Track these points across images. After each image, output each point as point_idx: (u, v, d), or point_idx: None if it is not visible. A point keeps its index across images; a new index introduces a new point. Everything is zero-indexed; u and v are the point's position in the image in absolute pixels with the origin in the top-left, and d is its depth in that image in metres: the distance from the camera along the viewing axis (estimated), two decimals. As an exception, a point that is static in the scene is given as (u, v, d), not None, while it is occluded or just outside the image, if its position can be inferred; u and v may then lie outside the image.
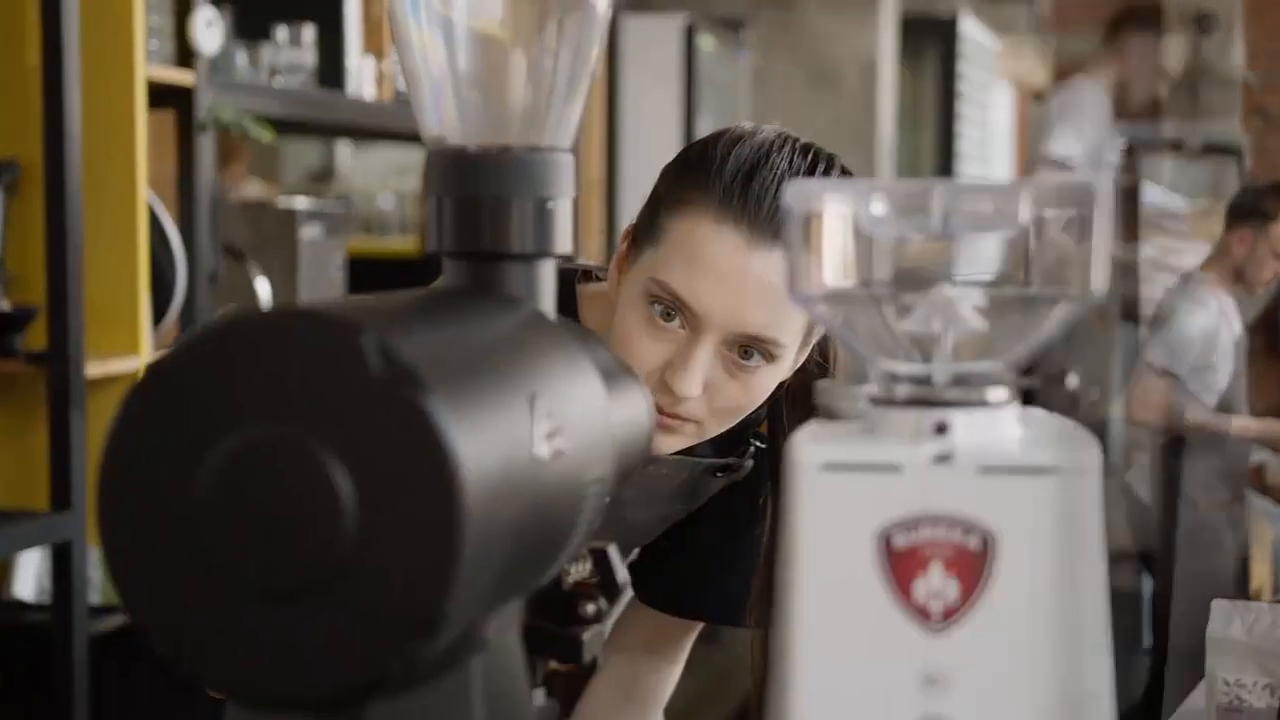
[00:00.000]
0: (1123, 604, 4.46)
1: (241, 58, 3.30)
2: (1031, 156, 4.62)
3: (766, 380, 1.33)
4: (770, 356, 1.30)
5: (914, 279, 0.71)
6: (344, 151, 6.02)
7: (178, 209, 3.03)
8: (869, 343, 0.71)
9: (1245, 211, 4.52)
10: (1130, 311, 4.98)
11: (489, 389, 0.65)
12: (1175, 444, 4.45)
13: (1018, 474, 0.66)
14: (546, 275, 0.79)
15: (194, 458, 0.61)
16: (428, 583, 0.59)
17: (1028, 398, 0.72)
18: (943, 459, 0.66)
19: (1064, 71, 9.21)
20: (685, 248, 1.29)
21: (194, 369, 0.61)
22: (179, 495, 0.61)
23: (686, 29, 5.41)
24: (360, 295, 0.71)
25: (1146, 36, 4.55)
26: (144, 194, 2.79)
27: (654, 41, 5.38)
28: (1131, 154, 4.86)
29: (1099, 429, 4.62)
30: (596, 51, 0.81)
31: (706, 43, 5.54)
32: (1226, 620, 1.82)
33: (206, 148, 3.06)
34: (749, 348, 1.30)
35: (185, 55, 2.99)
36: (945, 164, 7.63)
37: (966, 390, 0.68)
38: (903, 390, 0.69)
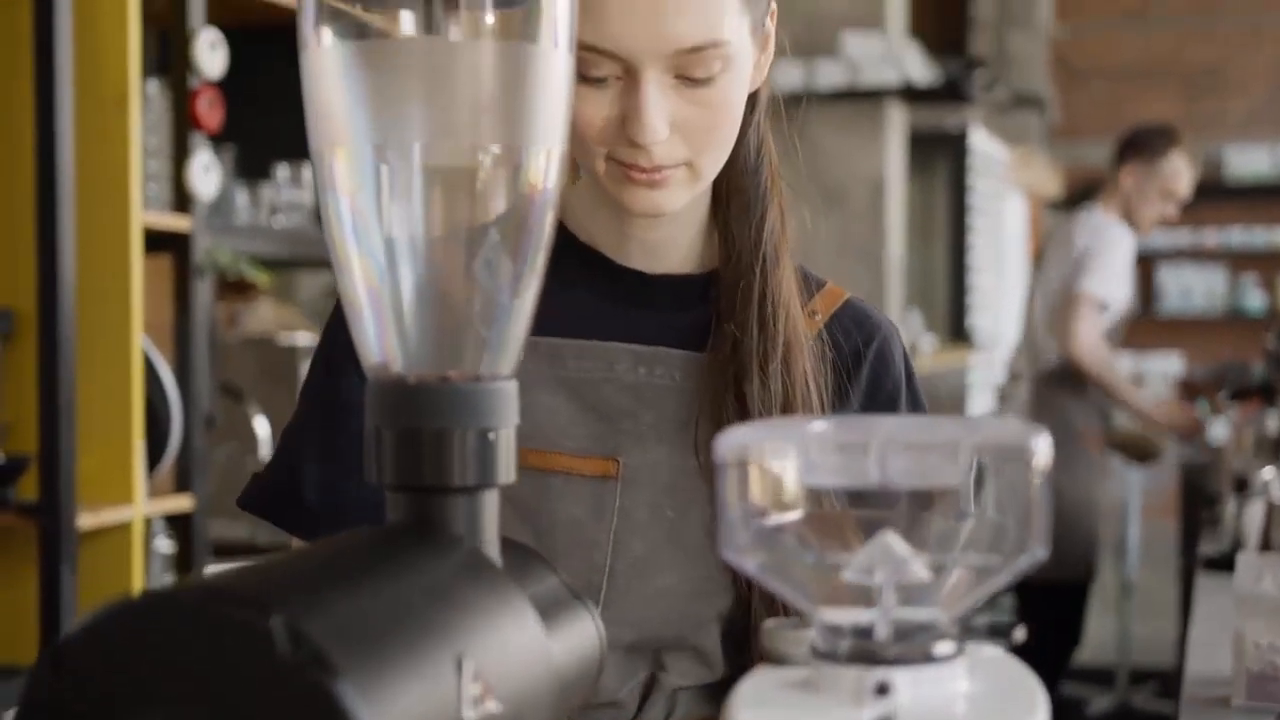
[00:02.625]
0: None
1: (242, 197, 3.32)
2: (1069, 289, 4.45)
3: (730, 90, 1.22)
4: (722, 62, 1.19)
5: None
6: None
7: (174, 352, 3.02)
8: (809, 592, 0.68)
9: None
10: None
11: (411, 658, 0.62)
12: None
13: (961, 740, 0.63)
14: (489, 507, 0.77)
15: (97, 742, 0.58)
16: None
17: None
18: (883, 724, 0.64)
19: (1075, 178, 9.25)
20: None
21: (97, 650, 0.59)
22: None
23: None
24: (284, 555, 0.68)
25: (1146, 165, 4.55)
26: (139, 342, 2.78)
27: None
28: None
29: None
30: (541, 264, 0.79)
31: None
32: (1255, 574, 1.56)
33: (204, 291, 3.06)
34: (692, 78, 1.19)
35: (183, 199, 3.00)
36: (957, 276, 7.62)
37: (910, 645, 0.66)
38: (844, 645, 0.66)
